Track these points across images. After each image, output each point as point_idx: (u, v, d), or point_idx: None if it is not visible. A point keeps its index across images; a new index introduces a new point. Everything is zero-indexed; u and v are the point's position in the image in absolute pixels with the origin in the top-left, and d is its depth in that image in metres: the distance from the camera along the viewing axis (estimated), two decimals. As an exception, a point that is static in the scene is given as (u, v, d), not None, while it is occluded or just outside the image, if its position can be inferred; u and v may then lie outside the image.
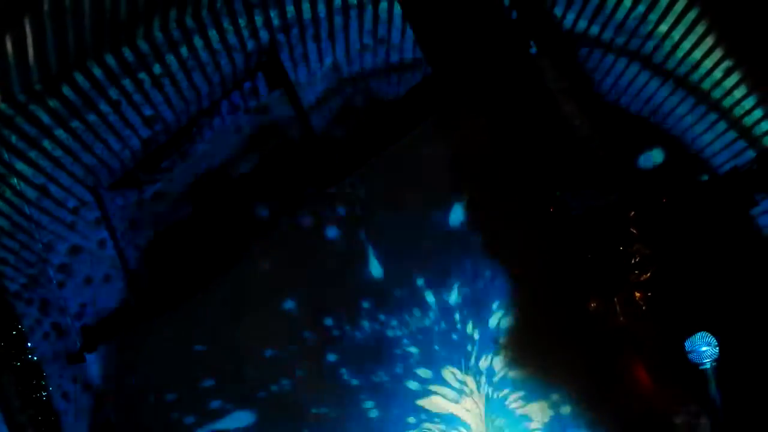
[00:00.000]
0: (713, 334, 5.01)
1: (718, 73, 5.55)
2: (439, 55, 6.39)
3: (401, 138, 6.38)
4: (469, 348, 6.35)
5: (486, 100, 6.26)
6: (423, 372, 6.48)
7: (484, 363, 6.29)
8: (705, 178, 5.85)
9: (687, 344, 4.98)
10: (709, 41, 5.38)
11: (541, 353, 6.17)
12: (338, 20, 6.37)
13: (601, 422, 5.81)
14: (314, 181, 6.49)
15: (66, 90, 5.75)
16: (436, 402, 6.45)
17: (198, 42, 6.02)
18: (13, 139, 5.88)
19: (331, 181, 6.45)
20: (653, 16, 5.51)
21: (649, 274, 5.60)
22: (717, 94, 5.71)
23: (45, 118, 5.86)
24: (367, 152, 6.41)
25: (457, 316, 6.35)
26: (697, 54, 5.54)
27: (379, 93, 6.83)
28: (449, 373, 6.40)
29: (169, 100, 6.51)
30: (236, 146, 6.87)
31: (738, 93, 5.56)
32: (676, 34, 5.52)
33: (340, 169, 6.45)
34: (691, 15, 5.33)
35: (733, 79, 5.50)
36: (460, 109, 6.45)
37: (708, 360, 4.89)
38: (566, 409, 6.05)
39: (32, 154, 6.11)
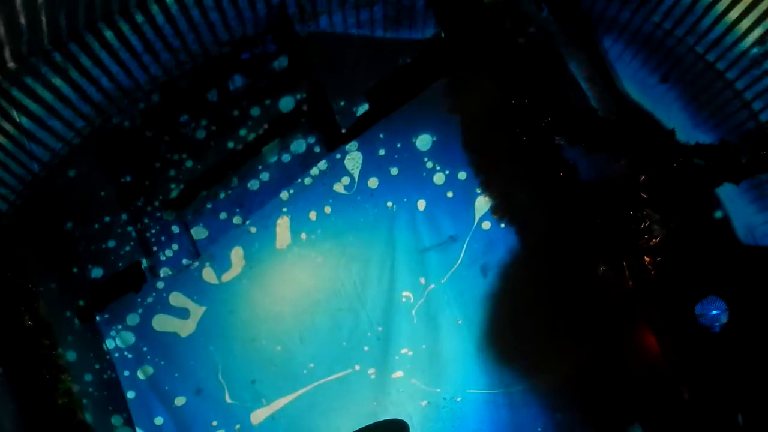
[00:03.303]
0: (723, 298, 5.11)
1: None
2: (450, 15, 6.36)
3: (413, 97, 6.42)
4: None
5: (494, 62, 6.24)
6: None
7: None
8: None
9: (697, 308, 5.07)
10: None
11: (547, 317, 6.23)
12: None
13: (608, 385, 5.89)
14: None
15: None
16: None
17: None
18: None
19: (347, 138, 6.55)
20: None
21: (658, 239, 5.62)
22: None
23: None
24: (380, 112, 6.45)
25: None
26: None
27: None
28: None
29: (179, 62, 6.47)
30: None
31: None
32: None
33: (356, 126, 6.53)
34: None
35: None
36: (468, 70, 6.44)
37: (717, 324, 5.00)
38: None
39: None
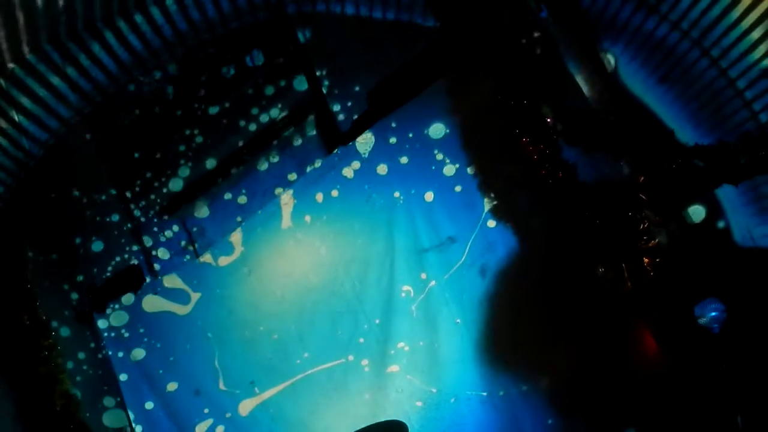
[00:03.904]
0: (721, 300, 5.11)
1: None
2: (449, 15, 6.37)
3: (413, 97, 6.43)
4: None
5: (494, 63, 6.25)
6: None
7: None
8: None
9: (697, 309, 5.08)
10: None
11: (546, 319, 6.22)
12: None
13: (606, 387, 5.88)
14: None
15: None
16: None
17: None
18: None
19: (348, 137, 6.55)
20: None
21: (657, 241, 5.62)
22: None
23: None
24: (381, 110, 6.47)
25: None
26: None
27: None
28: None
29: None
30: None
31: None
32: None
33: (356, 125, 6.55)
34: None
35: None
36: (467, 72, 6.44)
37: (717, 325, 5.00)
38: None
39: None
